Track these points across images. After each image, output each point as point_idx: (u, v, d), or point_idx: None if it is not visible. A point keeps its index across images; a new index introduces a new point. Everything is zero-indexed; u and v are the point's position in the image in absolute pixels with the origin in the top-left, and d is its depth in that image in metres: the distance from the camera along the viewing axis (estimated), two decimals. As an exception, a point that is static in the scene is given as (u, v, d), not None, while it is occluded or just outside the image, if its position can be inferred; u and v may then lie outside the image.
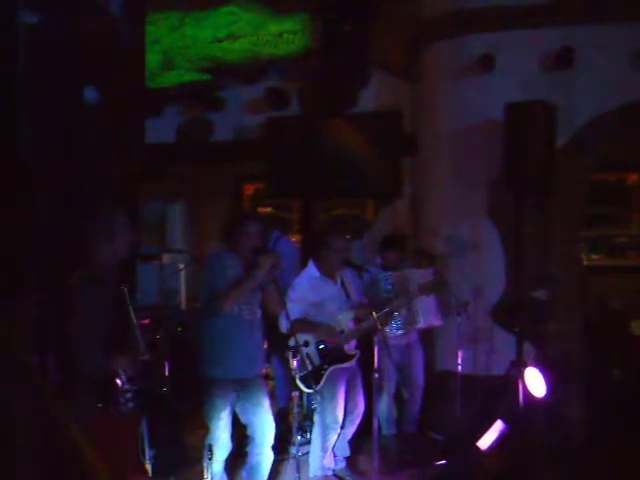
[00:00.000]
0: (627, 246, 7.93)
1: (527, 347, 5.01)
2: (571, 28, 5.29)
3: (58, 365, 3.09)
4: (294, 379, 4.13)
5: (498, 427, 4.59)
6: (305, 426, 4.84)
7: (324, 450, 4.52)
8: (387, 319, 4.63)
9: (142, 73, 4.59)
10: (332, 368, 4.40)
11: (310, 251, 5.25)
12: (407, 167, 6.49)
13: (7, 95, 3.13)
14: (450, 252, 5.63)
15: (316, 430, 4.54)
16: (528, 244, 5.13)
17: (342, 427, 4.58)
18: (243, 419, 3.93)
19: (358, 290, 4.71)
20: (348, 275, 4.64)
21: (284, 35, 6.26)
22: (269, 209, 8.43)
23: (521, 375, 4.66)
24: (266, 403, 3.91)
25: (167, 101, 6.95)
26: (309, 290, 4.46)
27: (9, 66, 3.11)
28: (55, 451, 1.06)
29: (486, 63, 5.41)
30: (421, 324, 5.09)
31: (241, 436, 4.03)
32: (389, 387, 5.13)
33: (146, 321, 5.31)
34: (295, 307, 4.25)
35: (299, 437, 4.10)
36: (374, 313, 4.17)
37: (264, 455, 3.92)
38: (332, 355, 4.42)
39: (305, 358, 4.25)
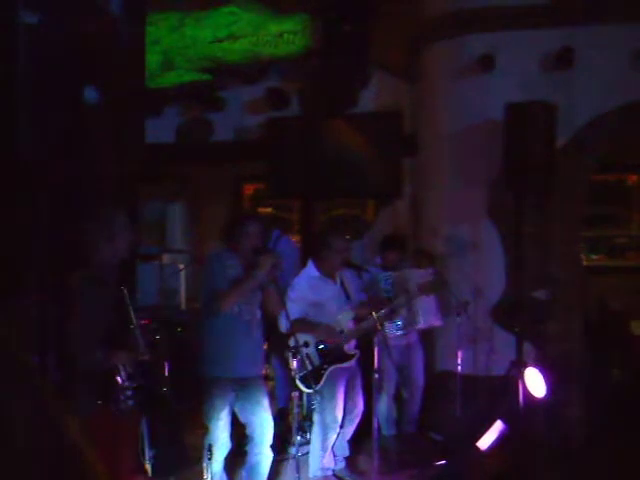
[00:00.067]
0: (627, 246, 7.94)
1: (527, 347, 5.01)
2: (571, 28, 5.29)
3: (58, 365, 3.09)
4: (294, 379, 4.13)
5: (498, 427, 4.59)
6: (305, 426, 4.84)
7: (324, 450, 4.53)
8: (387, 319, 4.63)
9: (142, 73, 4.58)
10: (332, 368, 4.40)
11: (310, 251, 5.25)
12: (407, 167, 6.49)
13: (7, 95, 3.13)
14: (450, 252, 5.64)
15: (316, 430, 4.54)
16: (528, 244, 5.14)
17: (341, 427, 4.58)
18: (242, 419, 3.93)
19: (358, 290, 4.71)
20: (348, 275, 4.64)
21: (284, 35, 6.25)
22: (269, 209, 8.43)
23: (521, 375, 4.66)
24: (265, 403, 3.92)
25: (167, 101, 6.95)
26: (309, 290, 4.46)
27: (9, 66, 3.11)
28: (55, 451, 1.06)
29: (486, 63, 5.41)
30: (421, 324, 5.09)
31: (240, 436, 4.03)
32: (389, 387, 5.13)
33: (146, 321, 5.30)
34: (295, 307, 4.26)
35: (299, 437, 4.11)
36: (374, 313, 4.17)
37: (263, 454, 3.92)
38: (332, 355, 4.42)
39: (305, 358, 4.25)
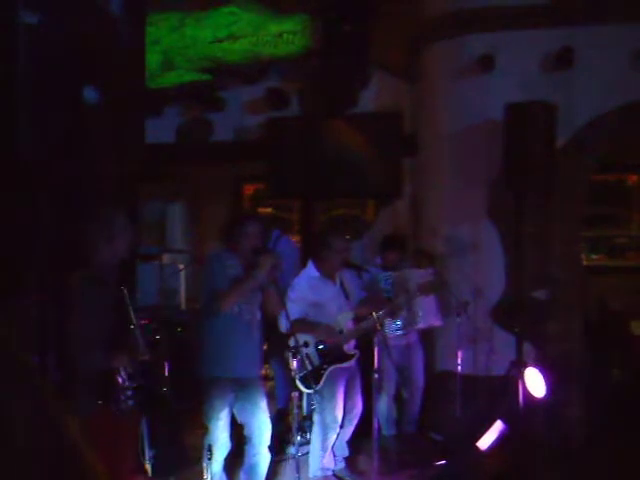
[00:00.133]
0: (627, 246, 7.94)
1: (527, 347, 5.01)
2: (571, 28, 5.29)
3: (58, 365, 3.09)
4: (294, 380, 4.13)
5: (498, 427, 4.59)
6: (304, 426, 4.84)
7: (324, 450, 4.53)
8: (387, 319, 4.63)
9: (142, 73, 4.58)
10: (332, 368, 4.40)
11: (310, 251, 5.25)
12: (407, 167, 6.49)
13: (7, 95, 3.13)
14: (450, 252, 5.63)
15: (316, 430, 4.54)
16: (528, 244, 5.14)
17: (341, 427, 4.58)
18: (240, 419, 3.93)
19: (358, 290, 4.71)
20: (347, 276, 4.64)
21: (284, 35, 6.25)
22: (269, 209, 8.43)
23: (521, 375, 4.66)
24: (263, 404, 3.92)
25: (167, 101, 6.95)
26: (308, 290, 4.46)
27: (9, 66, 3.10)
28: (55, 451, 1.06)
29: (486, 63, 5.41)
30: (421, 324, 5.09)
31: (240, 436, 4.03)
32: (389, 387, 5.13)
33: (146, 321, 5.31)
34: (295, 307, 4.26)
35: (299, 437, 4.11)
36: (374, 313, 4.18)
37: (262, 455, 3.92)
38: (331, 355, 4.42)
39: (305, 358, 4.25)
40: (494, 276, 5.53)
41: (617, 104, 5.30)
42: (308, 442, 4.69)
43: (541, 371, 4.82)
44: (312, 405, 4.64)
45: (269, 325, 4.20)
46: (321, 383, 4.34)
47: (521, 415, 4.60)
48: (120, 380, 3.07)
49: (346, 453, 4.82)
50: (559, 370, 5.12)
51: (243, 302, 3.83)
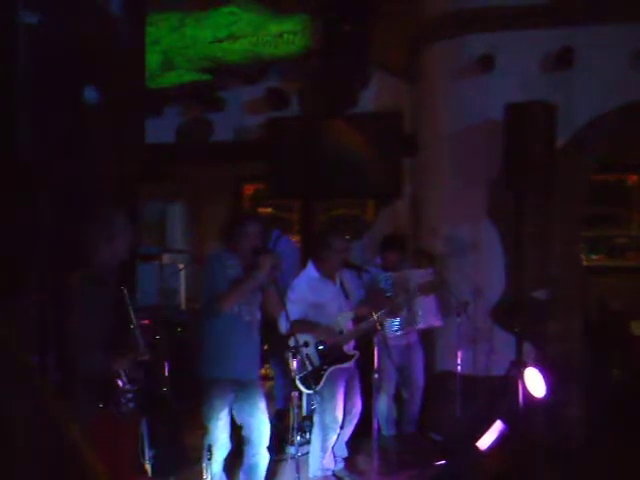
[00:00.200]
0: (627, 246, 7.93)
1: (527, 347, 5.01)
2: (571, 28, 5.29)
3: (58, 365, 3.09)
4: (293, 380, 4.13)
5: (498, 427, 4.59)
6: (304, 426, 4.84)
7: (324, 450, 4.52)
8: (386, 319, 4.63)
9: (142, 73, 4.58)
10: (332, 368, 4.40)
11: (310, 251, 5.25)
12: (407, 167, 6.49)
13: (7, 95, 3.13)
14: (450, 252, 5.63)
15: (316, 430, 4.54)
16: (528, 244, 5.14)
17: (341, 427, 4.58)
18: (239, 420, 3.92)
19: (358, 290, 4.71)
20: (347, 276, 4.64)
21: (284, 35, 6.25)
22: (269, 209, 8.43)
23: (521, 375, 4.66)
24: (262, 404, 3.91)
25: (167, 101, 6.95)
26: (308, 291, 4.46)
27: (9, 66, 3.10)
28: (55, 451, 1.06)
29: (486, 63, 5.41)
30: (421, 324, 5.09)
31: (240, 436, 4.03)
32: (389, 387, 5.13)
33: (146, 321, 5.30)
34: (295, 308, 4.25)
35: (298, 437, 4.10)
36: (374, 313, 4.17)
37: (261, 455, 3.92)
38: (331, 355, 4.42)
39: (305, 359, 4.25)
40: (494, 276, 5.53)
41: (617, 104, 5.29)
42: (308, 442, 4.68)
43: (541, 371, 4.82)
44: (312, 405, 4.64)
45: (269, 326, 4.20)
46: (321, 384, 4.34)
47: (521, 415, 4.60)
48: (121, 383, 3.06)
49: (345, 453, 4.82)
50: (559, 370, 5.12)
51: (243, 302, 3.83)
